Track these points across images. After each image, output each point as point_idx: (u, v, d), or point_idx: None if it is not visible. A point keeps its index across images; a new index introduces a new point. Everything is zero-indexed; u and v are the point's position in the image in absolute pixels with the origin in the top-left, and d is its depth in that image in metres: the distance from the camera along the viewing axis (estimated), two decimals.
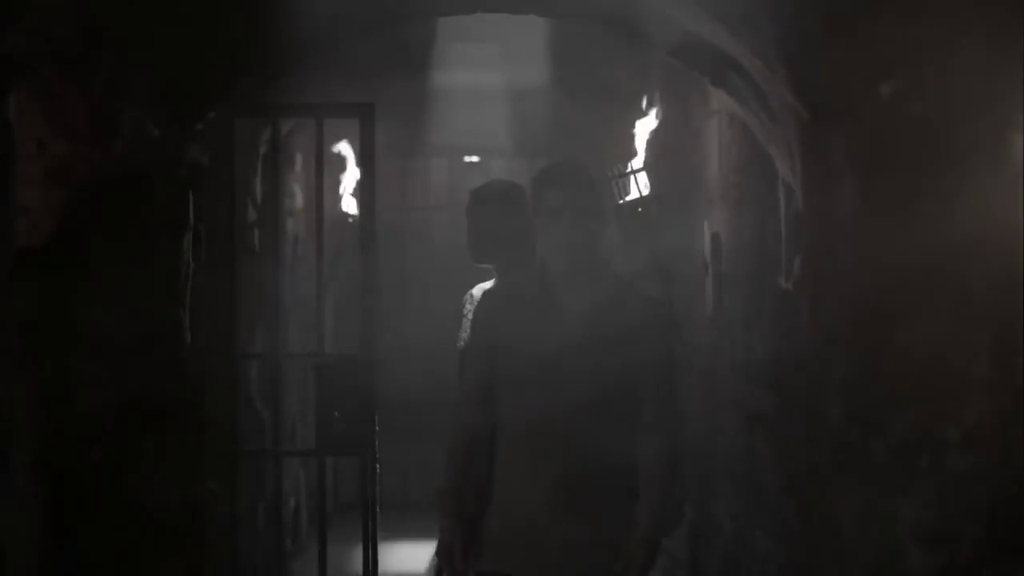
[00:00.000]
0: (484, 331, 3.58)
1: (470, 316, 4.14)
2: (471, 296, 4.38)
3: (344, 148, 7.87)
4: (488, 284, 4.32)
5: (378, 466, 4.83)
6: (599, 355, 3.42)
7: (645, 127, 6.55)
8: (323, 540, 4.75)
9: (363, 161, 4.87)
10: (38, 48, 3.40)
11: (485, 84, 6.87)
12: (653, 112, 6.39)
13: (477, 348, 3.62)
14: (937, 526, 2.97)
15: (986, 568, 2.91)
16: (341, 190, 8.29)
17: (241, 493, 4.95)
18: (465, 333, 4.28)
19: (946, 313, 2.96)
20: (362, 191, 4.87)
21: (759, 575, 4.60)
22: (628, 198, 6.90)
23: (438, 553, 3.69)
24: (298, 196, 7.17)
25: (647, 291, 3.96)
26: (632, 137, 6.76)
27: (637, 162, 6.73)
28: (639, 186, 6.70)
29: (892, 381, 3.03)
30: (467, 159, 9.48)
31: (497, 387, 3.51)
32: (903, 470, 3.01)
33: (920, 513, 2.98)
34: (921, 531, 2.99)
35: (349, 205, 8.35)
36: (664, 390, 3.48)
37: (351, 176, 8.17)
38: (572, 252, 3.47)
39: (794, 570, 3.92)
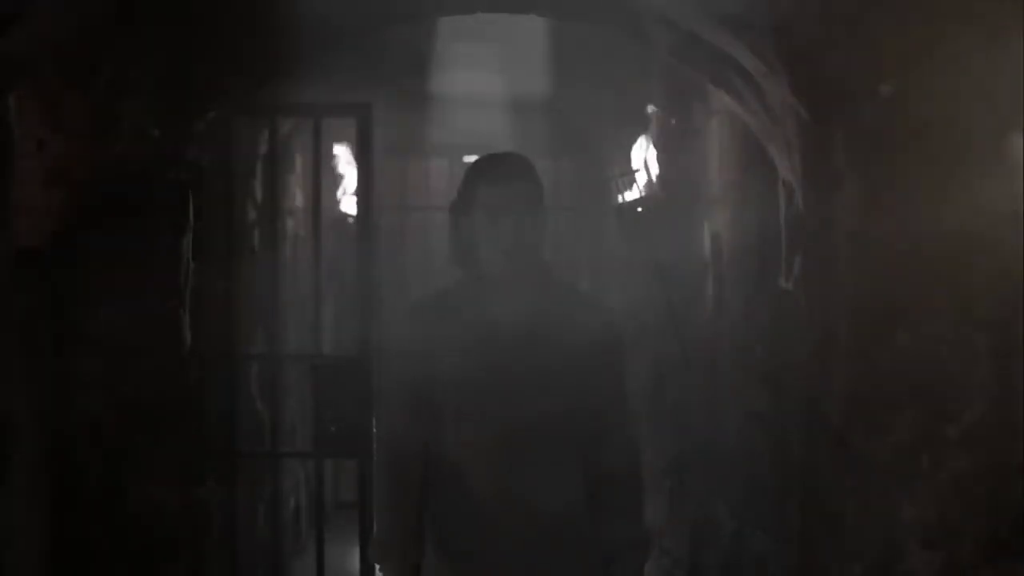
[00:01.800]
0: (407, 354, 3.10)
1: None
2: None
3: (344, 148, 7.87)
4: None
5: None
6: (543, 372, 3.02)
7: (645, 127, 6.55)
8: (321, 540, 4.75)
9: (361, 161, 4.86)
10: (38, 48, 3.40)
11: (485, 84, 6.87)
12: (653, 112, 6.38)
13: (400, 374, 3.11)
14: (937, 526, 2.97)
15: (986, 568, 2.91)
16: (341, 190, 8.29)
17: (241, 493, 4.95)
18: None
19: (946, 313, 2.96)
20: (360, 191, 4.87)
21: (759, 575, 4.60)
22: (628, 198, 6.90)
23: None
24: (298, 196, 7.17)
25: (589, 296, 3.49)
26: (632, 137, 6.76)
27: (637, 162, 6.73)
28: (639, 186, 6.70)
29: (892, 381, 3.03)
30: (467, 159, 9.47)
31: (427, 418, 3.05)
32: (903, 470, 3.01)
33: (920, 513, 2.98)
34: (921, 531, 2.99)
35: (349, 205, 8.35)
36: (618, 408, 3.10)
37: (351, 176, 8.17)
38: (514, 256, 3.04)
39: (794, 570, 3.91)
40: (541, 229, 3.11)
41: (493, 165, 3.15)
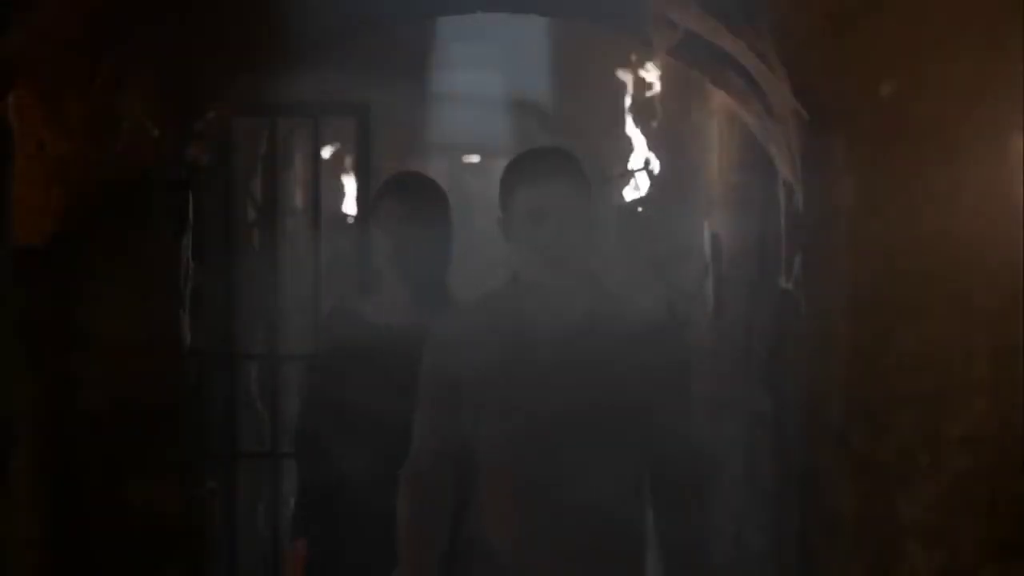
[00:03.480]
0: (442, 375, 2.85)
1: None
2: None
3: (343, 148, 7.88)
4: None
5: None
6: (590, 390, 2.76)
7: (644, 127, 6.55)
8: None
9: (360, 161, 4.87)
10: (38, 48, 3.40)
11: (484, 84, 6.87)
12: (653, 112, 6.38)
13: (437, 401, 2.86)
14: (937, 526, 2.96)
15: (986, 568, 2.91)
16: (340, 190, 8.29)
17: (241, 493, 4.95)
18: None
19: (946, 313, 2.96)
20: (360, 191, 4.87)
21: (759, 575, 4.59)
22: (628, 198, 6.90)
23: None
24: (298, 196, 7.17)
25: (648, 307, 3.18)
26: (632, 137, 6.75)
27: (637, 162, 6.73)
28: (639, 186, 6.70)
29: (892, 381, 3.03)
30: (467, 159, 9.47)
31: (469, 444, 2.83)
32: (903, 470, 3.01)
33: (920, 513, 2.98)
34: (921, 531, 2.99)
35: (349, 205, 8.35)
36: (681, 405, 2.92)
37: (351, 176, 8.17)
38: (562, 266, 2.77)
39: (794, 570, 3.91)
40: (587, 234, 2.81)
41: (533, 162, 2.88)
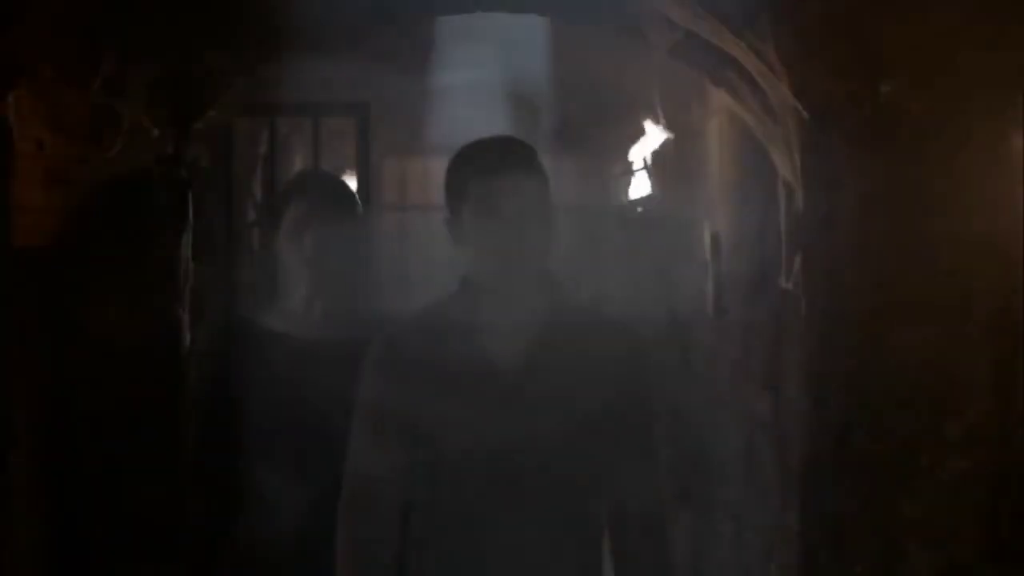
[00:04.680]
0: (381, 398, 2.53)
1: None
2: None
3: (343, 148, 7.88)
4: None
5: None
6: (547, 410, 2.45)
7: (645, 127, 6.55)
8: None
9: (359, 160, 4.87)
10: (38, 48, 3.40)
11: (485, 83, 6.87)
12: (653, 112, 6.39)
13: (374, 427, 2.52)
14: (937, 526, 2.97)
15: (986, 568, 2.91)
16: None
17: None
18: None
19: (946, 313, 2.96)
20: (360, 191, 4.87)
21: (759, 575, 4.59)
22: (628, 198, 6.90)
23: None
24: None
25: (613, 323, 2.72)
26: (631, 137, 6.76)
27: (637, 162, 6.73)
28: (639, 186, 6.70)
29: (892, 381, 3.03)
30: None
31: (406, 463, 2.49)
32: (903, 470, 3.01)
33: (920, 513, 2.98)
34: (921, 531, 2.99)
35: None
36: (645, 445, 2.57)
37: (351, 176, 8.17)
38: (512, 266, 2.45)
39: (794, 570, 3.91)
40: (547, 232, 2.49)
41: (484, 152, 2.55)
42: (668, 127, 6.15)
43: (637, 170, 6.71)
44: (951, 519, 2.94)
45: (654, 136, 6.44)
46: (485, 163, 2.49)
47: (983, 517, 2.90)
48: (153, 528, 4.11)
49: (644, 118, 6.55)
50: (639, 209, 6.72)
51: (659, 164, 6.38)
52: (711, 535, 5.41)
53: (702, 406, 5.49)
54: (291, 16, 4.09)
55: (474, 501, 2.46)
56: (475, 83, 6.86)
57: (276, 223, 3.18)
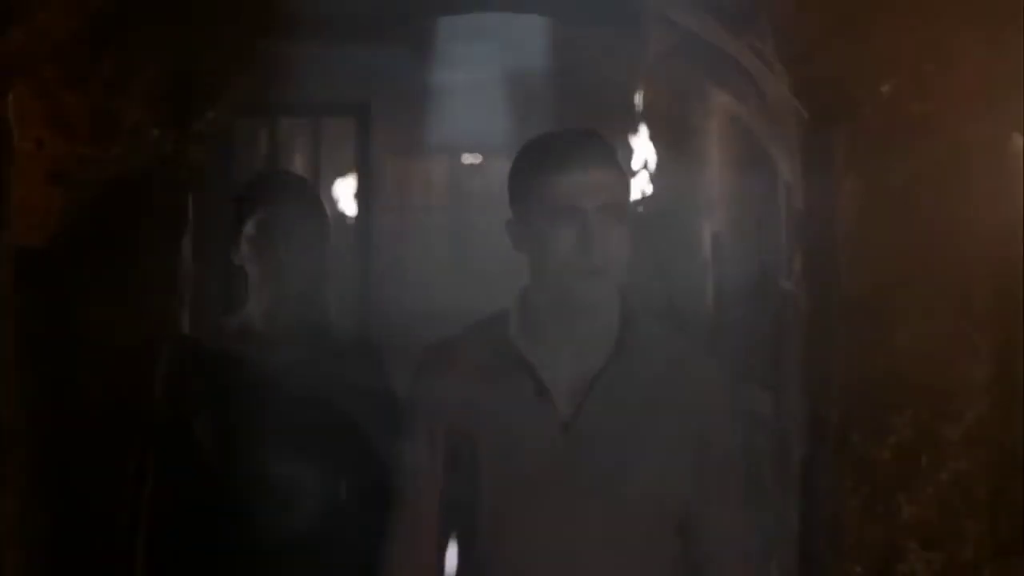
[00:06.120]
0: (434, 418, 2.27)
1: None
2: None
3: (343, 148, 7.88)
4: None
5: None
6: (618, 439, 2.19)
7: (645, 127, 6.55)
8: None
9: (359, 160, 4.87)
10: (38, 48, 3.40)
11: (485, 83, 6.88)
12: (653, 112, 6.39)
13: (427, 443, 2.27)
14: (937, 526, 2.97)
15: (986, 568, 2.91)
16: (340, 190, 8.29)
17: None
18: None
19: (946, 313, 2.96)
20: (359, 190, 4.87)
21: (759, 575, 4.59)
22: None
23: None
24: None
25: (685, 341, 2.46)
26: (632, 137, 6.76)
27: (637, 162, 6.73)
28: (639, 186, 6.70)
29: (892, 381, 3.03)
30: (467, 159, 9.48)
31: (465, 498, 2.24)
32: (903, 470, 3.01)
33: (920, 513, 2.98)
34: (921, 531, 2.99)
35: (348, 205, 8.36)
36: (734, 492, 2.43)
37: (350, 176, 8.17)
38: (590, 282, 2.15)
39: (794, 570, 3.91)
40: (625, 239, 2.20)
41: (562, 146, 2.24)
42: (668, 127, 6.15)
43: (637, 170, 6.71)
44: (951, 519, 2.94)
45: (654, 136, 6.44)
46: (562, 158, 2.19)
47: (983, 517, 2.90)
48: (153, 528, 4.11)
49: (644, 118, 6.55)
50: (639, 209, 6.73)
51: (659, 164, 6.38)
52: None
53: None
54: (293, 17, 4.10)
55: (522, 529, 2.22)
56: (475, 83, 6.87)
57: (238, 230, 2.94)
